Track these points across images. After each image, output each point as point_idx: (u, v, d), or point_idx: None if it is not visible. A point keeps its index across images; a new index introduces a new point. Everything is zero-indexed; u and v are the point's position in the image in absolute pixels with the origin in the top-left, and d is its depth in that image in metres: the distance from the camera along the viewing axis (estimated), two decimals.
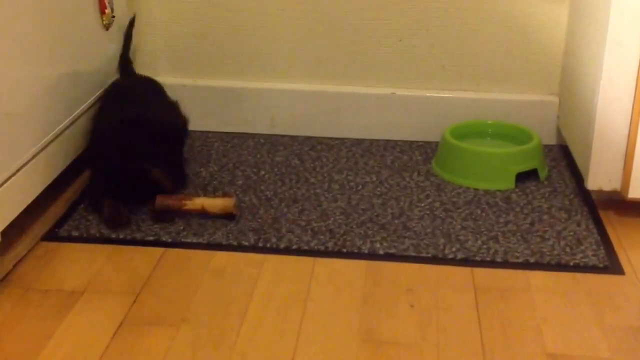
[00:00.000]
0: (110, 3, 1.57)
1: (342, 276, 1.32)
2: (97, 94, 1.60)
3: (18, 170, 1.27)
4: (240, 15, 1.80)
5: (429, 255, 1.37)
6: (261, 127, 1.86)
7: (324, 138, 1.84)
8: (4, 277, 1.27)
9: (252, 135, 1.84)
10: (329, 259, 1.36)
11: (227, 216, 1.44)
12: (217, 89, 1.84)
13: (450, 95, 1.82)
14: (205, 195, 1.52)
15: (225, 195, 1.48)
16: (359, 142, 1.83)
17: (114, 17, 1.59)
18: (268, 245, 1.40)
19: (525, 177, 1.63)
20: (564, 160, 1.73)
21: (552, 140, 1.81)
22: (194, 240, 1.40)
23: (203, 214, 1.44)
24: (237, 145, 1.80)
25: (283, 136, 1.84)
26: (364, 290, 1.28)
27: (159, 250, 1.37)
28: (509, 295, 1.27)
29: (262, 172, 1.67)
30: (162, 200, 1.42)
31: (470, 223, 1.47)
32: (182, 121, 1.57)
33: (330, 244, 1.40)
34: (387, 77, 1.82)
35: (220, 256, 1.37)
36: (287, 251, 1.38)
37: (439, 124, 1.78)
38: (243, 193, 1.57)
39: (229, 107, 1.85)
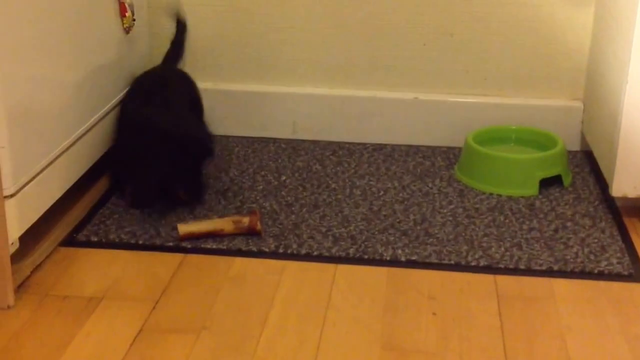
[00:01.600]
0: (131, 6, 1.57)
1: (363, 283, 1.30)
2: (117, 97, 1.60)
3: (37, 175, 1.27)
4: (262, 20, 1.79)
5: (452, 262, 1.35)
6: (282, 132, 1.85)
7: (346, 143, 1.83)
8: (22, 282, 1.26)
9: (273, 140, 1.83)
10: (351, 266, 1.35)
11: (253, 234, 1.42)
12: (238, 93, 1.83)
13: (474, 100, 1.79)
14: (226, 215, 1.46)
15: (249, 213, 1.45)
16: (380, 147, 1.81)
17: (134, 20, 1.59)
18: (289, 251, 1.38)
19: (548, 183, 1.60)
20: (588, 166, 1.71)
21: (576, 146, 1.78)
22: (214, 246, 1.39)
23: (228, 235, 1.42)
24: (258, 149, 1.79)
25: (304, 141, 1.83)
26: (385, 298, 1.26)
27: (179, 256, 1.37)
28: (533, 303, 1.25)
29: (283, 177, 1.65)
30: (185, 229, 1.39)
31: (493, 230, 1.45)
32: (206, 137, 1.54)
33: (351, 251, 1.38)
34: (410, 81, 1.80)
35: (240, 262, 1.36)
36: (308, 257, 1.37)
37: (462, 129, 1.76)
38: (263, 198, 1.56)
39: (250, 112, 1.84)
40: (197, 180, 1.51)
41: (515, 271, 1.33)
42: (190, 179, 1.48)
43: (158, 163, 1.44)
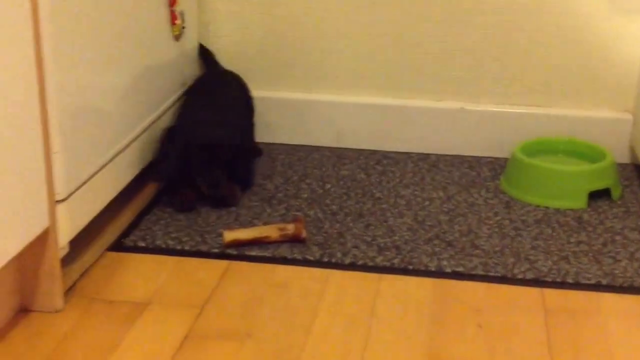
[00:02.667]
0: (181, 14, 1.59)
1: (408, 294, 1.29)
2: (166, 103, 1.62)
3: (87, 180, 1.29)
4: (307, 28, 1.79)
5: (498, 274, 1.34)
6: (327, 140, 1.85)
7: (391, 152, 1.82)
8: (71, 286, 1.28)
9: (318, 148, 1.83)
10: (395, 276, 1.34)
11: (297, 241, 1.43)
12: (283, 100, 1.84)
13: (521, 111, 1.78)
14: (271, 222, 1.47)
15: (294, 220, 1.45)
16: (425, 156, 1.80)
17: (184, 27, 1.61)
18: (333, 260, 1.38)
19: (597, 196, 1.58)
20: (637, 179, 1.68)
21: (625, 159, 1.75)
22: (259, 254, 1.40)
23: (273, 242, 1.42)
24: (302, 158, 1.79)
25: (349, 149, 1.83)
26: (430, 309, 1.25)
27: (224, 262, 1.37)
28: (580, 318, 1.23)
29: (328, 186, 1.65)
30: (230, 235, 1.40)
31: (541, 242, 1.43)
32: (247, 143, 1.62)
33: (396, 261, 1.38)
34: (456, 91, 1.79)
35: (285, 270, 1.36)
36: (352, 267, 1.37)
37: (508, 139, 1.75)
38: (308, 206, 1.56)
39: (295, 120, 1.85)
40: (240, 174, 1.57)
41: (562, 285, 1.31)
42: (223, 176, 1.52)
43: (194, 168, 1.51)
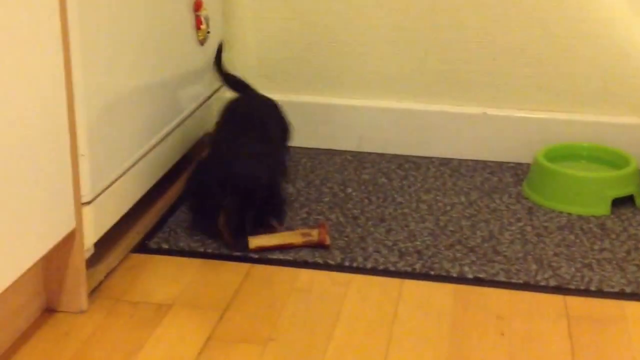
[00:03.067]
0: (206, 19, 1.60)
1: (429, 299, 1.29)
2: (191, 107, 1.63)
3: (113, 183, 1.30)
4: (330, 33, 1.80)
5: (520, 281, 1.34)
6: (348, 144, 1.85)
7: (412, 157, 1.82)
8: (96, 287, 1.29)
9: (339, 152, 1.84)
10: (417, 281, 1.34)
11: (321, 247, 1.43)
12: (305, 104, 1.84)
13: (544, 117, 1.77)
14: (295, 228, 1.47)
15: (318, 226, 1.45)
16: (447, 161, 1.80)
17: (208, 32, 1.62)
18: (354, 264, 1.39)
19: (620, 202, 1.57)
20: None
21: None
22: (280, 257, 1.40)
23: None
24: (324, 161, 1.79)
25: (370, 154, 1.83)
26: (452, 315, 1.25)
27: (246, 266, 1.38)
28: (604, 326, 1.23)
29: (349, 190, 1.66)
30: (255, 242, 1.40)
31: (564, 249, 1.43)
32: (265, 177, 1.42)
33: (417, 266, 1.38)
34: (479, 96, 1.79)
35: (306, 274, 1.36)
36: (374, 271, 1.37)
37: (531, 145, 1.74)
38: (329, 210, 1.56)
39: (317, 123, 1.85)
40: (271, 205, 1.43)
41: (586, 292, 1.31)
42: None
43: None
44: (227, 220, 1.38)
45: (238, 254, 1.40)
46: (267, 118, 1.59)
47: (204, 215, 1.44)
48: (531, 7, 1.71)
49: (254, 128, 1.52)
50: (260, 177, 1.39)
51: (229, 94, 1.83)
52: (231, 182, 1.36)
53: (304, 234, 1.42)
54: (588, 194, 1.56)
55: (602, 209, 1.55)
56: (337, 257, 1.40)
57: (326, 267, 1.38)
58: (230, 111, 1.59)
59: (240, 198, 1.36)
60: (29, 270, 1.11)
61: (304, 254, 1.40)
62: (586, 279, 1.34)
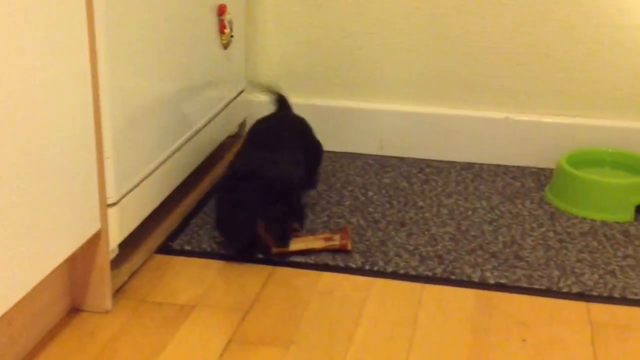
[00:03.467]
0: (230, 23, 1.61)
1: (450, 304, 1.29)
2: (215, 110, 1.64)
3: (137, 185, 1.31)
4: (352, 37, 1.80)
5: (543, 287, 1.33)
6: (370, 148, 1.85)
7: (434, 161, 1.82)
8: (120, 288, 1.30)
9: (361, 156, 1.84)
10: (437, 286, 1.34)
11: (342, 252, 1.43)
12: (327, 108, 1.85)
13: (567, 121, 1.76)
14: (317, 232, 1.47)
15: (339, 230, 1.45)
16: (469, 166, 1.80)
17: (232, 36, 1.63)
18: (375, 268, 1.39)
19: None
20: None
21: None
22: (302, 260, 1.41)
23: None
24: (345, 165, 1.80)
25: (391, 157, 1.83)
26: (473, 321, 1.25)
27: (268, 268, 1.39)
28: (627, 334, 1.22)
29: (370, 194, 1.66)
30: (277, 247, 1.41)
31: (586, 255, 1.42)
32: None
33: (438, 270, 1.38)
34: (501, 100, 1.79)
35: (327, 277, 1.37)
36: (395, 275, 1.37)
37: (554, 150, 1.74)
38: (350, 214, 1.57)
39: (339, 127, 1.86)
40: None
41: (609, 299, 1.30)
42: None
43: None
44: (268, 227, 1.37)
45: (260, 256, 1.41)
46: (294, 134, 1.60)
47: (237, 230, 1.41)
48: (555, 12, 1.70)
49: (279, 142, 1.53)
50: (292, 178, 1.40)
51: (250, 97, 1.85)
52: (265, 187, 1.36)
53: (326, 239, 1.42)
54: (612, 200, 1.56)
55: (626, 215, 1.55)
56: (358, 260, 1.41)
57: (347, 270, 1.38)
58: (257, 129, 1.60)
59: (277, 203, 1.36)
60: (55, 270, 1.13)
61: (325, 258, 1.41)
62: (609, 286, 1.33)
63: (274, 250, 1.40)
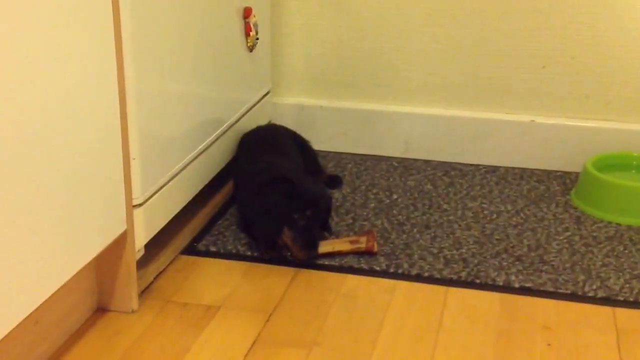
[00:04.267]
0: (255, 26, 1.62)
1: (475, 308, 1.29)
2: (239, 112, 1.65)
3: (163, 186, 1.33)
4: (378, 39, 1.81)
5: (568, 291, 1.32)
6: (395, 151, 1.85)
7: (458, 164, 1.82)
8: (146, 288, 1.32)
9: (385, 158, 1.84)
10: (462, 289, 1.34)
11: (369, 254, 1.43)
12: (353, 110, 1.85)
13: (593, 125, 1.75)
14: (343, 235, 1.48)
15: (365, 233, 1.45)
16: (494, 169, 1.79)
17: (257, 39, 1.64)
18: (399, 271, 1.39)
19: None
20: None
21: None
22: (326, 263, 1.41)
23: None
24: (370, 167, 1.80)
25: (416, 160, 1.83)
26: (498, 324, 1.24)
27: (292, 270, 1.39)
28: None
29: (395, 196, 1.66)
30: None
31: (612, 260, 1.41)
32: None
33: (463, 274, 1.38)
34: (527, 104, 1.78)
35: (352, 280, 1.37)
36: (419, 278, 1.37)
37: (579, 154, 1.73)
38: (375, 216, 1.57)
39: (363, 129, 1.86)
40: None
41: (635, 304, 1.29)
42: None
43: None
44: (294, 236, 1.38)
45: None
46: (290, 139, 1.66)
47: (264, 234, 1.43)
48: (581, 14, 1.69)
49: (282, 148, 1.59)
50: (327, 194, 1.45)
51: (275, 99, 1.86)
52: (304, 200, 1.37)
53: (352, 242, 1.43)
54: (638, 204, 1.54)
55: None
56: (382, 263, 1.41)
57: (371, 273, 1.39)
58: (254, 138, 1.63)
59: (310, 213, 1.38)
60: (82, 270, 1.14)
61: (350, 260, 1.41)
62: (635, 291, 1.32)
63: (300, 255, 1.40)
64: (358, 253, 1.42)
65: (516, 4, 1.72)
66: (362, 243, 1.42)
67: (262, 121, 1.83)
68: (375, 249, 1.42)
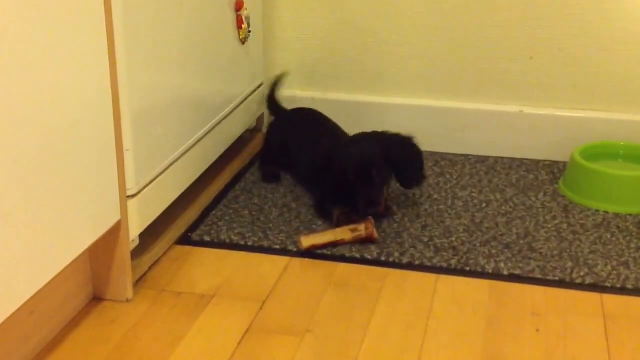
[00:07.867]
0: (247, 19, 1.63)
1: (465, 295, 1.31)
2: (232, 104, 1.66)
3: (157, 176, 1.34)
4: (369, 32, 1.82)
5: (556, 278, 1.35)
6: None
7: (448, 154, 1.83)
8: (140, 277, 1.33)
9: None
10: (452, 277, 1.36)
11: (369, 241, 1.45)
12: (344, 102, 1.87)
13: (580, 115, 1.77)
14: (343, 225, 1.48)
15: (364, 220, 1.46)
16: (483, 159, 1.81)
17: (249, 32, 1.65)
18: (390, 259, 1.41)
19: None
20: None
21: None
22: (318, 251, 1.43)
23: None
24: None
25: None
26: (487, 311, 1.26)
27: (285, 258, 1.41)
28: None
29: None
30: (308, 241, 1.42)
31: (599, 247, 1.44)
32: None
33: (453, 262, 1.40)
34: (515, 94, 1.80)
35: (343, 268, 1.39)
36: (410, 266, 1.39)
37: (567, 143, 1.75)
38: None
39: (353, 120, 1.86)
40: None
41: (622, 290, 1.31)
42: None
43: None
44: (366, 195, 1.47)
45: (277, 247, 1.43)
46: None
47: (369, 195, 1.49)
48: (569, 6, 1.71)
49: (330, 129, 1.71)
50: (375, 154, 1.51)
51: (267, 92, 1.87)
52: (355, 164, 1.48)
53: (352, 229, 1.44)
54: (625, 192, 1.57)
55: (639, 207, 1.56)
56: (373, 251, 1.42)
57: (363, 261, 1.40)
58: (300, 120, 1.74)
59: (367, 176, 1.47)
60: (77, 259, 1.15)
61: (341, 248, 1.43)
62: (622, 277, 1.34)
63: (305, 244, 1.42)
64: (359, 240, 1.44)
65: None
66: (362, 230, 1.44)
67: (256, 113, 1.85)
68: (375, 234, 1.44)
